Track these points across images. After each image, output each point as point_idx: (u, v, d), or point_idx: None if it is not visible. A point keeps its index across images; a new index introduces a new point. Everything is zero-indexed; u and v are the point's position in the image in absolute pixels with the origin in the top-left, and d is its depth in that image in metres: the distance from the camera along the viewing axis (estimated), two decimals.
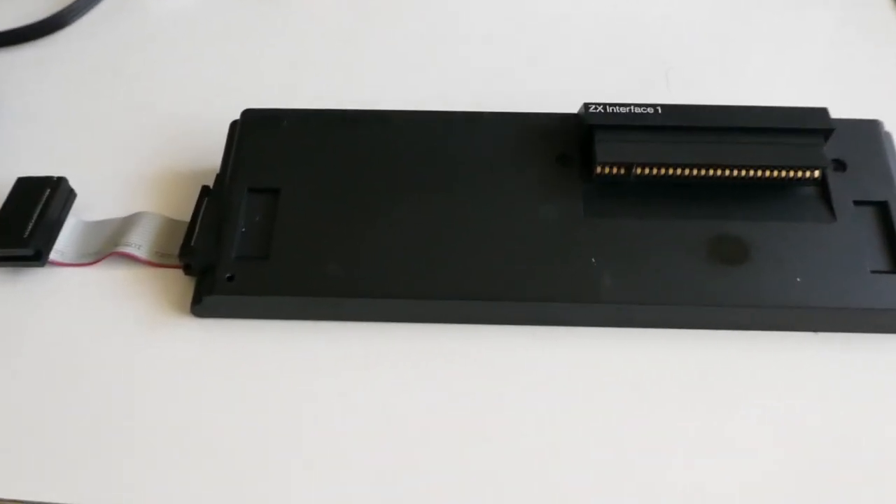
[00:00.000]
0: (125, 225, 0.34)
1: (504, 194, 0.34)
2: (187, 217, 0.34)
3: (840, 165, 0.35)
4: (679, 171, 0.33)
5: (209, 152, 0.36)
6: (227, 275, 0.32)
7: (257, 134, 0.36)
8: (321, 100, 0.38)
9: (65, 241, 0.34)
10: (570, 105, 0.35)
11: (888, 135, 0.36)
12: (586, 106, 0.34)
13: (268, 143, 0.35)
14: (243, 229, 0.33)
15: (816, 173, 0.33)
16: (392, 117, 0.36)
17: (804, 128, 0.34)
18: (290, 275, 0.32)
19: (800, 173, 0.33)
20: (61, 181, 0.35)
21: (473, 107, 0.36)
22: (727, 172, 0.33)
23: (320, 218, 0.33)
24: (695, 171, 0.33)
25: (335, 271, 0.32)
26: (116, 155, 0.38)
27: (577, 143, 0.35)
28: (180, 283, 0.33)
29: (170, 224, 0.35)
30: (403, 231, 0.33)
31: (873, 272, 0.32)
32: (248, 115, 0.36)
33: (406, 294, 0.32)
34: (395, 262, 0.32)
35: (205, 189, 0.35)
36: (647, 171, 0.33)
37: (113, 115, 0.40)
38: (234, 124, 0.36)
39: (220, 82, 0.41)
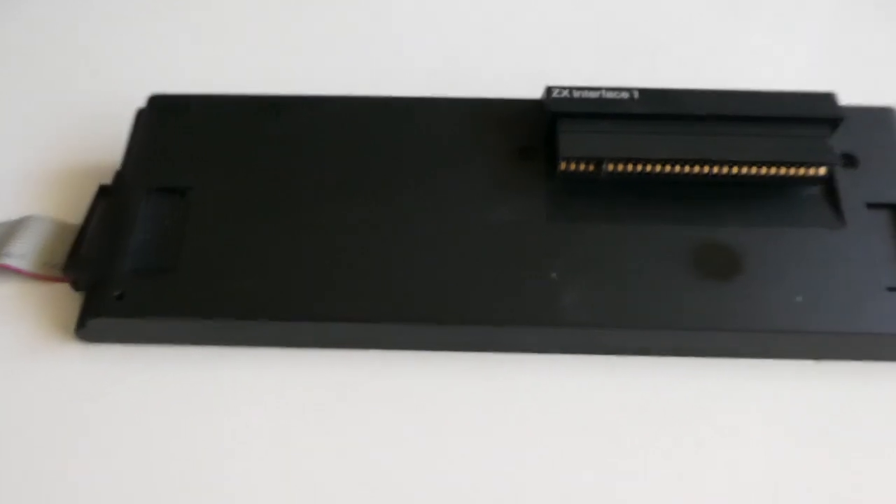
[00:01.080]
0: (8, 231, 0.29)
1: (453, 195, 0.29)
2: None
3: (850, 161, 0.29)
4: (659, 168, 0.28)
5: (111, 145, 0.31)
6: (117, 292, 0.27)
7: (166, 124, 0.31)
8: (243, 83, 0.33)
9: None
10: (537, 89, 0.30)
11: None
12: (549, 90, 0.29)
13: (177, 134, 0.30)
14: (144, 236, 0.28)
15: (822, 170, 0.28)
16: (324, 104, 0.31)
17: (807, 116, 0.28)
18: (196, 292, 0.27)
19: (802, 170, 0.28)
20: None
21: (420, 92, 0.31)
22: (716, 170, 0.28)
23: (236, 224, 0.28)
24: (678, 168, 0.28)
25: (250, 288, 0.27)
26: (1, 148, 0.32)
27: (541, 135, 0.30)
28: (69, 299, 0.28)
29: (61, 229, 0.29)
30: (334, 240, 0.28)
31: (889, 289, 0.27)
32: (156, 101, 0.31)
33: (333, 316, 0.27)
34: (322, 277, 0.27)
35: (102, 189, 0.30)
36: (620, 167, 0.28)
37: None
38: (140, 112, 0.31)
39: (125, 63, 0.35)
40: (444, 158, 0.29)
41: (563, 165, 0.28)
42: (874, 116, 0.30)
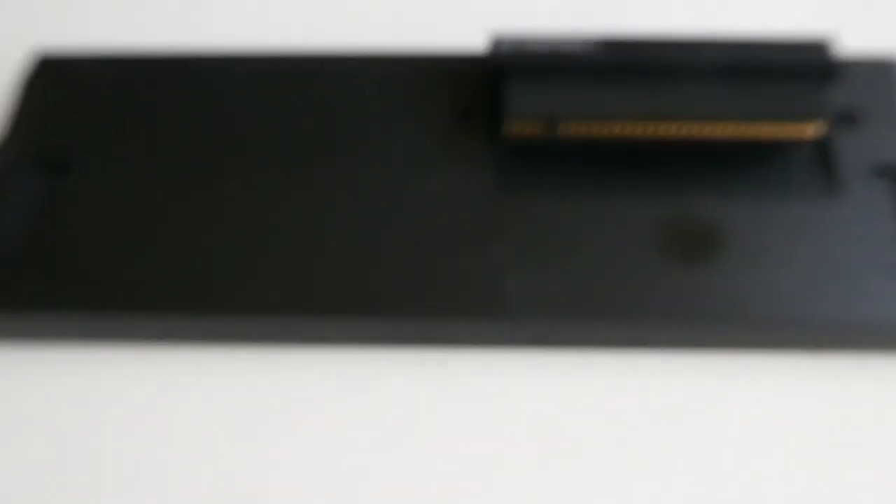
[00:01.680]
0: None
1: (382, 165, 0.24)
2: None
3: (847, 118, 0.25)
4: (623, 130, 0.24)
5: None
6: None
7: (45, 87, 0.26)
8: (143, 37, 0.28)
9: None
10: (482, 39, 0.26)
11: None
12: (495, 41, 0.25)
13: (60, 99, 0.26)
14: (15, 219, 0.24)
15: (813, 129, 0.24)
16: (233, 64, 0.26)
17: (797, 66, 0.24)
18: (74, 282, 0.23)
19: (791, 130, 0.24)
20: None
21: (342, 46, 0.27)
22: (690, 130, 0.24)
23: (123, 204, 0.24)
24: (645, 129, 0.24)
25: (138, 277, 0.23)
26: None
27: (486, 93, 0.25)
28: None
29: None
30: (240, 220, 0.24)
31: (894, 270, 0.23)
32: (40, 60, 0.27)
33: (236, 308, 0.23)
34: (224, 264, 0.23)
35: None
36: (577, 129, 0.24)
37: None
38: (18, 72, 0.27)
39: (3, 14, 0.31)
40: (371, 124, 0.25)
41: (509, 127, 0.24)
42: (877, 67, 0.26)
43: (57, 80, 0.26)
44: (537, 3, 0.31)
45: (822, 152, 0.25)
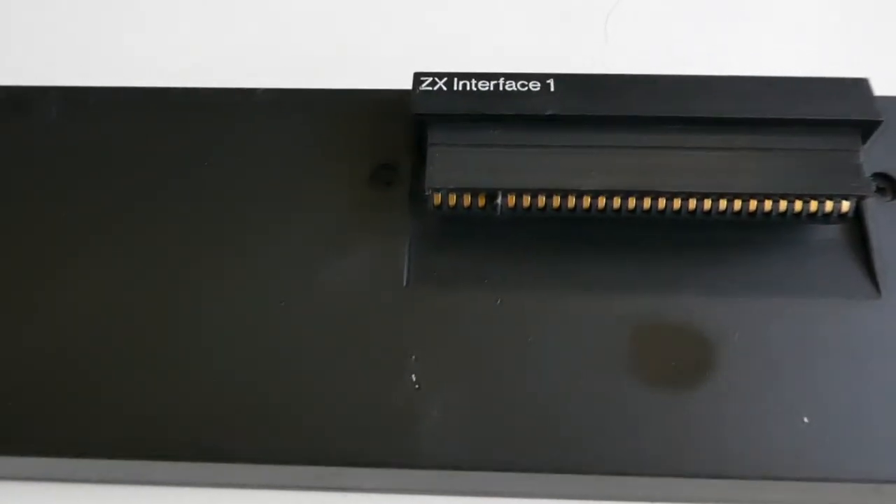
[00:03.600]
0: None
1: (269, 242, 0.18)
2: None
3: (887, 186, 0.19)
4: (584, 203, 0.18)
5: None
6: None
7: None
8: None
9: None
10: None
11: None
12: (417, 79, 0.18)
13: None
14: None
15: (845, 205, 0.17)
16: (89, 96, 0.20)
17: (823, 118, 0.18)
18: None
19: (813, 206, 0.18)
20: None
21: (240, 79, 0.21)
22: (674, 205, 0.18)
23: None
24: (613, 203, 0.18)
25: None
26: None
27: (408, 146, 0.19)
28: None
29: None
30: (71, 312, 0.18)
31: None
32: None
33: (49, 448, 0.17)
34: (49, 375, 0.17)
35: None
36: (524, 202, 0.18)
37: None
38: None
39: None
40: (265, 182, 0.19)
41: (433, 199, 0.18)
42: None
43: None
44: (520, 35, 0.25)
45: (856, 232, 0.18)
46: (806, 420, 0.16)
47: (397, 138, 0.19)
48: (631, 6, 0.26)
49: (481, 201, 0.18)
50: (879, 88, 0.19)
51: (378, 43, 0.24)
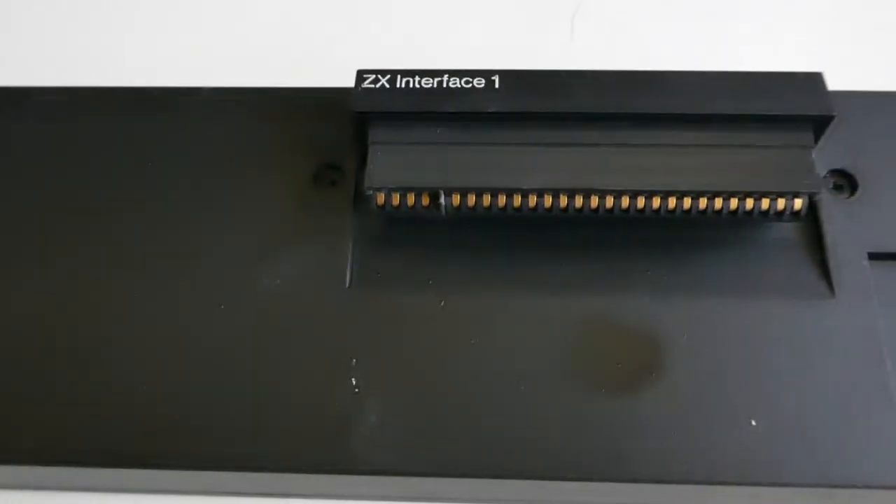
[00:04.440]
0: None
1: (210, 242, 0.18)
2: None
3: (845, 182, 0.18)
4: (530, 202, 0.17)
5: None
6: None
7: None
8: None
9: None
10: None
11: None
12: (359, 76, 0.18)
13: None
14: None
15: (798, 203, 0.17)
16: (30, 96, 0.20)
17: (774, 113, 0.17)
18: None
19: (765, 204, 0.17)
20: None
21: (186, 78, 0.20)
22: (622, 204, 0.17)
23: None
24: (560, 202, 0.17)
25: None
26: None
27: (351, 146, 0.19)
28: None
29: None
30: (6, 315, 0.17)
31: None
32: None
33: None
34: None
35: None
36: (469, 201, 0.17)
37: None
38: None
39: None
40: (203, 186, 0.19)
41: (375, 199, 0.17)
42: (885, 108, 0.19)
43: None
44: (482, 28, 0.24)
45: (810, 231, 0.18)
46: (753, 423, 0.16)
47: (343, 137, 0.19)
48: (597, 3, 0.26)
49: (425, 201, 0.17)
50: (846, 82, 0.19)
51: (331, 41, 0.24)
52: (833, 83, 0.18)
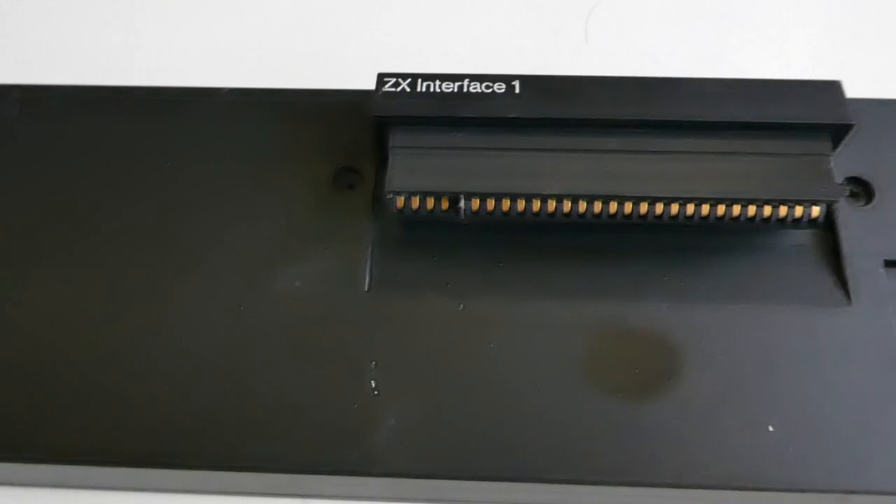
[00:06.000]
0: None
1: (229, 245, 0.18)
2: None
3: (861, 190, 0.19)
4: (549, 207, 0.17)
5: None
6: None
7: None
8: None
9: None
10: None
11: None
12: (380, 80, 0.18)
13: None
14: None
15: (816, 211, 0.17)
16: (48, 94, 0.20)
17: (793, 121, 0.17)
18: None
19: (783, 211, 0.17)
20: None
21: (205, 79, 0.20)
22: (641, 210, 0.17)
23: None
24: (579, 208, 0.17)
25: None
26: None
27: (371, 149, 0.19)
28: None
29: None
30: (22, 316, 0.17)
31: None
32: None
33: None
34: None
35: None
36: (488, 206, 0.17)
37: None
38: None
39: None
40: (221, 188, 0.19)
41: (395, 202, 0.17)
42: None
43: None
44: (494, 32, 0.24)
45: (827, 239, 0.18)
46: (771, 429, 0.16)
47: (362, 141, 0.19)
48: (612, 6, 0.26)
49: (444, 205, 0.17)
50: (862, 90, 0.19)
51: (350, 43, 0.24)
52: (850, 91, 0.18)
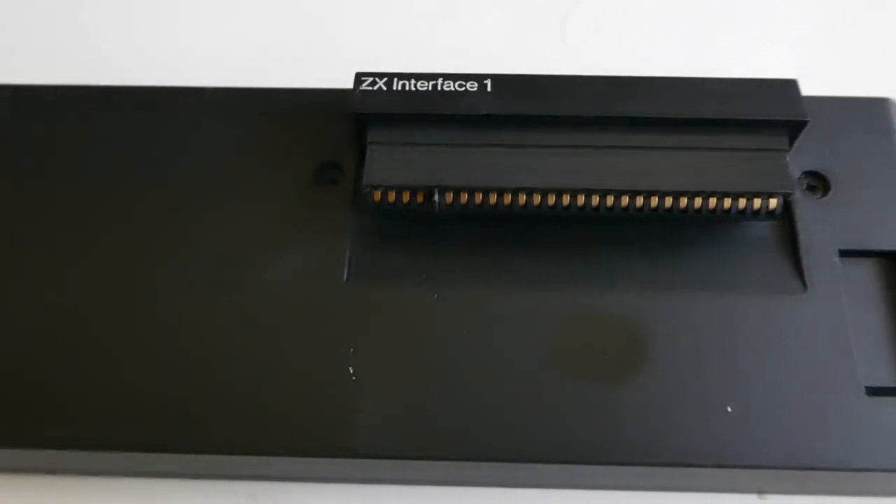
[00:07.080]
0: None
1: (211, 238, 0.19)
2: None
3: (818, 184, 0.19)
4: (519, 201, 0.18)
5: None
6: None
7: None
8: None
9: None
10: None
11: None
12: (358, 79, 0.19)
13: None
14: None
15: (773, 203, 0.18)
16: (36, 94, 0.21)
17: (752, 118, 0.18)
18: None
19: (742, 203, 0.18)
20: None
21: (189, 78, 0.21)
22: (608, 202, 0.18)
23: None
24: (547, 201, 0.18)
25: None
26: None
27: (350, 145, 0.20)
28: None
29: None
30: (11, 307, 0.18)
31: (871, 391, 0.17)
32: None
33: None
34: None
35: None
36: (461, 199, 0.18)
37: None
38: None
39: None
40: (204, 184, 0.19)
41: (373, 196, 0.18)
42: (858, 112, 0.20)
43: None
44: (470, 30, 0.25)
45: (784, 229, 0.19)
46: (729, 409, 0.17)
47: (343, 137, 0.20)
48: (589, 6, 0.27)
49: (419, 198, 0.18)
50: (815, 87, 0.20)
51: (330, 44, 0.24)
52: (807, 89, 0.19)
